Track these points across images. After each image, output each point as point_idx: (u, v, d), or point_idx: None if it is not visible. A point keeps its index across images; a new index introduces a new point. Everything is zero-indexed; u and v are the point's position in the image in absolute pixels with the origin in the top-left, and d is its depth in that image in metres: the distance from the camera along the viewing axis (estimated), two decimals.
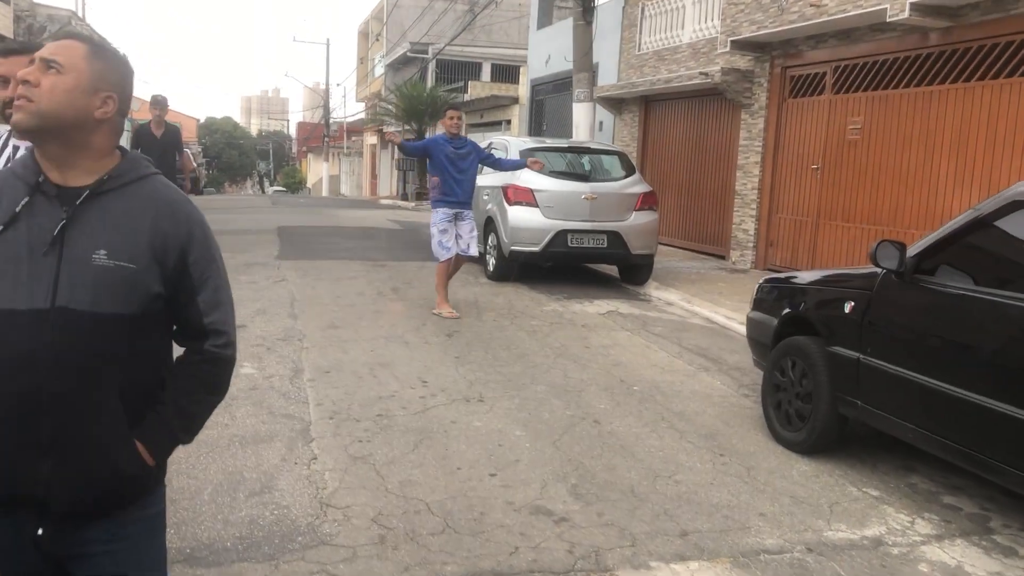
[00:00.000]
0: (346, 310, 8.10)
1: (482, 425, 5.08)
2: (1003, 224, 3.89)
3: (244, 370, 5.95)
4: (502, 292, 9.42)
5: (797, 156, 11.35)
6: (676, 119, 14.56)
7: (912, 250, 4.21)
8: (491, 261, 10.21)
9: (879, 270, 4.45)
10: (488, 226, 10.30)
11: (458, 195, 8.04)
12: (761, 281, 5.65)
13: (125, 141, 2.23)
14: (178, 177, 9.84)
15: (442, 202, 8.08)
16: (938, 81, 9.11)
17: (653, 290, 10.11)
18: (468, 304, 8.69)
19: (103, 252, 1.77)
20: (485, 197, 10.51)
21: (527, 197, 9.70)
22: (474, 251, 8.28)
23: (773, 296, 5.41)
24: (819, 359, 4.71)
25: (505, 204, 9.81)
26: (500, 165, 8.84)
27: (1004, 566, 3.68)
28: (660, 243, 11.03)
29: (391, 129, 8.83)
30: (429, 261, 11.60)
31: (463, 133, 8.73)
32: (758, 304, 5.56)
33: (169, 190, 1.95)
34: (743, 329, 8.05)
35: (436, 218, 8.05)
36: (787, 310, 5.16)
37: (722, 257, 12.96)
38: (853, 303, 4.52)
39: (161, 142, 9.64)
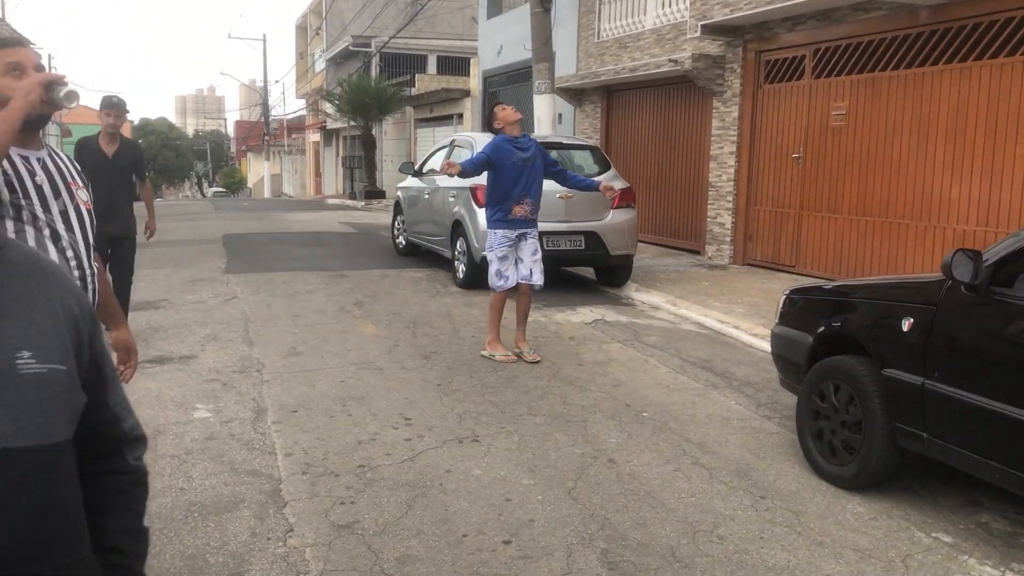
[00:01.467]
0: (307, 332, 7.31)
1: (483, 473, 4.37)
2: None
3: (199, 414, 5.16)
4: (476, 302, 8.70)
5: (776, 145, 10.82)
6: (642, 109, 13.95)
7: (987, 257, 3.61)
8: (460, 268, 9.47)
9: (938, 279, 3.85)
10: (456, 230, 9.57)
11: (520, 215, 6.41)
12: (788, 292, 5.02)
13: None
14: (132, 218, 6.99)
15: (502, 223, 6.35)
16: (931, 62, 8.61)
17: (634, 292, 9.48)
18: (441, 318, 7.95)
19: (26, 353, 1.25)
20: (451, 199, 9.78)
21: None
22: (538, 279, 6.51)
23: (805, 309, 4.79)
24: (870, 384, 4.09)
25: (474, 206, 9.08)
26: (567, 179, 6.85)
27: None
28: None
29: (447, 161, 6.17)
30: (392, 268, 10.86)
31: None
32: (786, 318, 4.94)
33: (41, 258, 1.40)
34: (740, 335, 7.49)
35: (494, 241, 6.41)
36: (824, 326, 4.54)
37: (697, 252, 12.41)
38: (912, 319, 3.90)
39: (113, 163, 6.57)
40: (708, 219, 11.98)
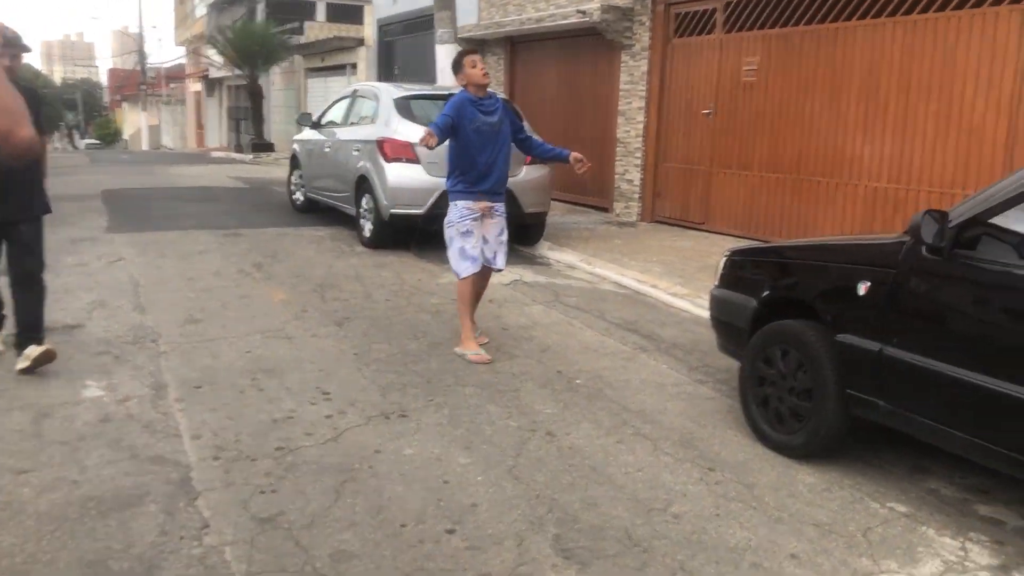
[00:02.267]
0: (204, 296, 6.74)
1: (415, 453, 4.02)
2: None
3: (89, 392, 4.62)
4: (386, 263, 8.26)
5: (685, 101, 10.67)
6: (547, 62, 13.61)
7: (952, 218, 3.46)
8: (367, 226, 8.99)
9: (896, 240, 3.70)
10: (362, 186, 9.06)
11: (489, 182, 5.50)
12: (728, 253, 4.82)
13: None
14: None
15: (464, 193, 5.45)
16: (844, 17, 8.56)
17: (548, 251, 9.23)
18: (350, 280, 7.50)
19: None
20: (355, 152, 9.25)
21: (407, 152, 8.53)
22: (500, 262, 5.72)
23: (748, 272, 4.60)
24: (822, 350, 3.93)
25: (381, 161, 8.60)
26: (532, 148, 5.92)
27: None
28: None
29: (427, 131, 4.84)
30: (290, 227, 10.26)
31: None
32: (727, 281, 4.74)
33: None
34: (660, 295, 7.33)
35: (455, 215, 5.46)
36: (770, 290, 4.36)
37: (605, 210, 12.24)
38: (869, 282, 3.74)
39: None
40: (616, 176, 11.80)
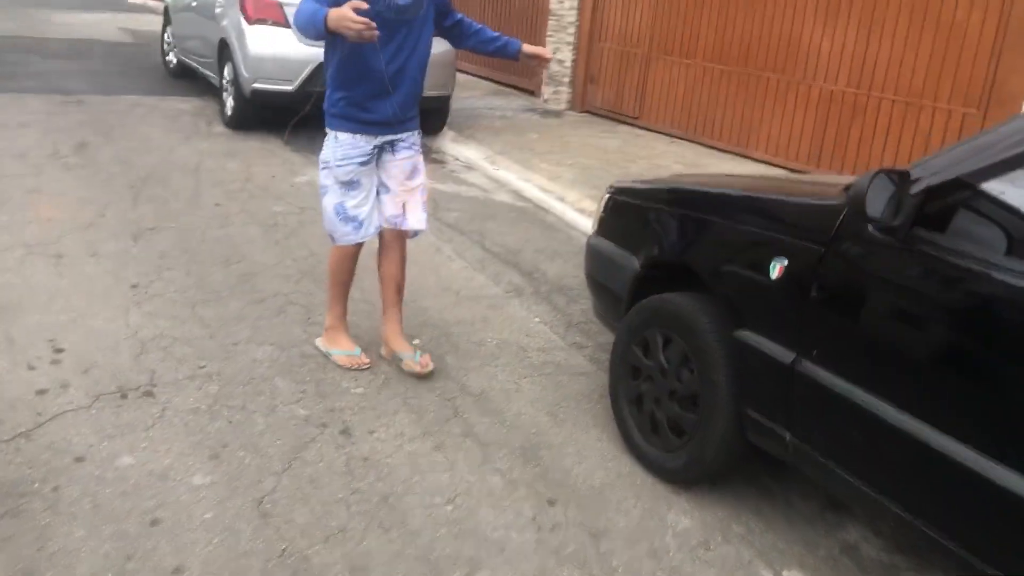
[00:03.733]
0: None
1: (134, 463, 2.83)
2: None
3: None
4: (240, 151, 6.84)
5: None
6: None
7: (916, 178, 2.23)
8: (228, 102, 7.50)
9: (834, 203, 2.49)
10: (223, 53, 7.53)
11: (391, 105, 3.36)
12: (611, 188, 3.55)
13: None
14: None
15: (348, 121, 3.37)
16: None
17: (450, 143, 7.87)
18: (185, 172, 6.11)
19: None
20: (218, 10, 7.66)
21: (274, 14, 7.01)
22: (414, 221, 3.61)
23: (632, 219, 3.36)
24: (715, 345, 2.77)
25: (243, 23, 7.06)
26: (467, 38, 3.67)
27: None
28: (458, 71, 8.66)
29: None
30: (152, 95, 8.69)
31: None
32: (606, 228, 3.51)
33: None
34: (563, 212, 6.08)
35: (333, 154, 3.41)
36: (657, 247, 3.15)
37: (532, 93, 10.78)
38: (786, 262, 2.54)
39: None
40: None
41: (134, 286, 4.15)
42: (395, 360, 3.64)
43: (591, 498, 2.90)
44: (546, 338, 4.09)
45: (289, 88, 7.00)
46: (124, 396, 3.21)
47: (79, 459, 2.81)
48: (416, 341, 3.77)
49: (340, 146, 3.39)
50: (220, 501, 2.68)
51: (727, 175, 4.37)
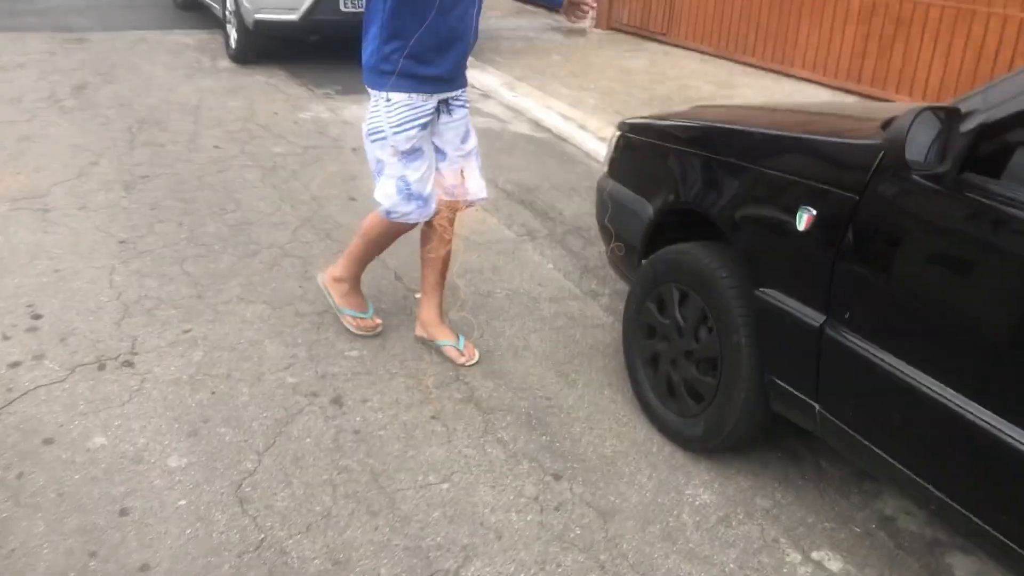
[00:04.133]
0: None
1: (106, 443, 2.63)
2: None
3: None
4: (245, 86, 6.53)
5: None
6: None
7: (967, 114, 1.88)
8: (232, 34, 7.16)
9: (872, 143, 2.14)
10: None
11: (451, 58, 2.85)
12: (622, 124, 3.21)
13: None
14: None
15: (404, 78, 2.79)
16: None
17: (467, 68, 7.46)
18: (185, 113, 5.83)
19: None
20: None
21: None
22: (475, 187, 3.13)
23: (646, 160, 3.02)
24: (735, 305, 2.47)
25: None
26: None
27: None
28: None
29: None
30: (157, 30, 8.36)
31: None
32: (617, 169, 3.18)
33: None
34: (584, 141, 5.71)
35: (389, 119, 2.84)
36: (673, 193, 2.82)
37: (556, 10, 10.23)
38: (815, 212, 2.21)
39: None
40: None
41: (123, 241, 3.93)
42: (438, 345, 3.22)
43: (601, 470, 2.65)
44: (559, 286, 3.80)
45: (293, 18, 6.64)
46: (102, 367, 3.00)
47: (48, 441, 2.62)
48: (466, 347, 3.20)
49: (394, 109, 2.82)
50: (195, 486, 2.47)
51: (750, 107, 3.98)
